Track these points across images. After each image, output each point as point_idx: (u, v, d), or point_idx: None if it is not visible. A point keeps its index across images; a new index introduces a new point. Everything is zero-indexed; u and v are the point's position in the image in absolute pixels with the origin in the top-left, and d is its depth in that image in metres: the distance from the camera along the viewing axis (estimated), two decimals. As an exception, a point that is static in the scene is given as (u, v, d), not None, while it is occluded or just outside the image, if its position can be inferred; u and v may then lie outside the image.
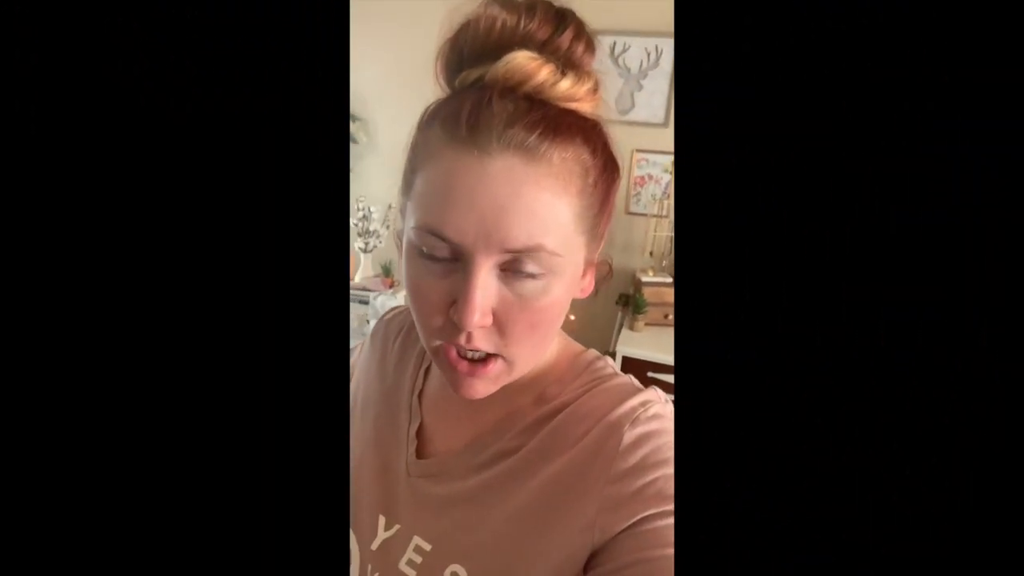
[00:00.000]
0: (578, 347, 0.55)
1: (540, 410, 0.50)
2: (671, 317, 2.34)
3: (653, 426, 0.45)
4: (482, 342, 0.43)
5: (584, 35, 0.42)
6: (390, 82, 2.68)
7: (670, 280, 2.35)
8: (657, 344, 2.18)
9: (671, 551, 0.39)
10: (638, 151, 2.46)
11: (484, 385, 0.45)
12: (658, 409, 0.46)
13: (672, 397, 0.46)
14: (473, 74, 0.42)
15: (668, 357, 2.09)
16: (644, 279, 2.35)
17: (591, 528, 0.42)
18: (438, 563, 0.47)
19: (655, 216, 2.43)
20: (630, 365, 2.11)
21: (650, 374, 2.08)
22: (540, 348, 0.46)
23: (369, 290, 2.52)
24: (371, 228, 2.60)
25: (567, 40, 0.41)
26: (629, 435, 0.44)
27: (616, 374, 0.51)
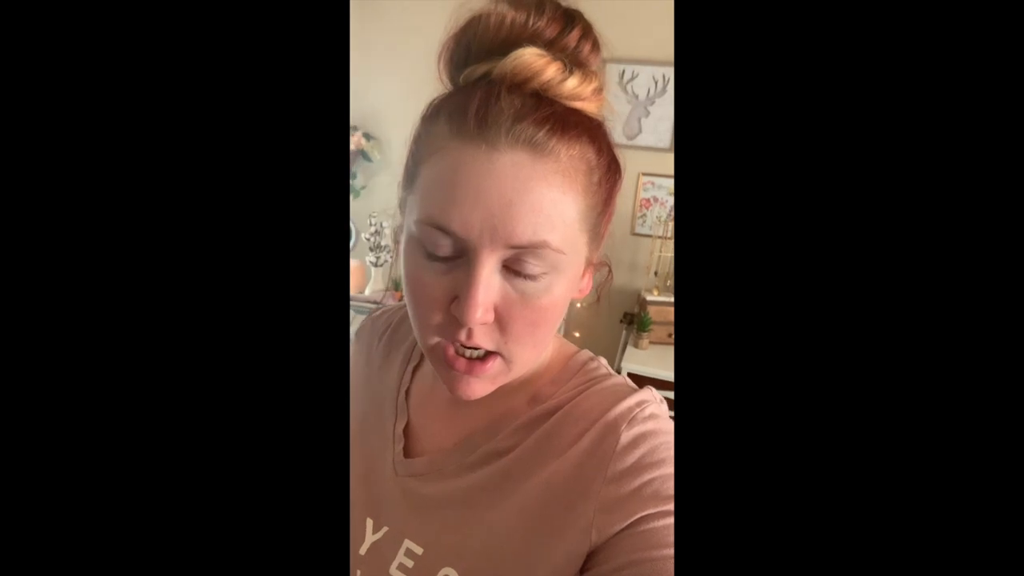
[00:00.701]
0: (572, 348, 0.55)
1: (534, 410, 0.49)
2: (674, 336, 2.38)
3: (649, 426, 0.45)
4: (482, 339, 0.42)
5: (591, 35, 0.42)
6: (405, 101, 2.74)
7: (674, 299, 2.39)
8: (661, 362, 2.21)
9: (670, 551, 0.39)
10: (644, 175, 2.51)
11: (481, 385, 0.45)
12: (654, 409, 0.47)
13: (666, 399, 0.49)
14: (479, 69, 0.41)
15: (672, 375, 2.12)
16: (649, 298, 2.39)
17: (588, 529, 0.42)
18: (431, 566, 0.46)
19: (660, 237, 2.47)
20: (635, 382, 2.13)
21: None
22: (539, 347, 0.45)
23: (378, 302, 2.57)
24: (382, 243, 2.65)
25: (574, 39, 0.41)
26: (626, 435, 0.44)
27: (610, 374, 0.52)
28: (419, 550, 0.47)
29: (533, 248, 0.39)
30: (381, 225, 2.63)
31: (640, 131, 2.47)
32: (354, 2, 2.70)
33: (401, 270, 0.45)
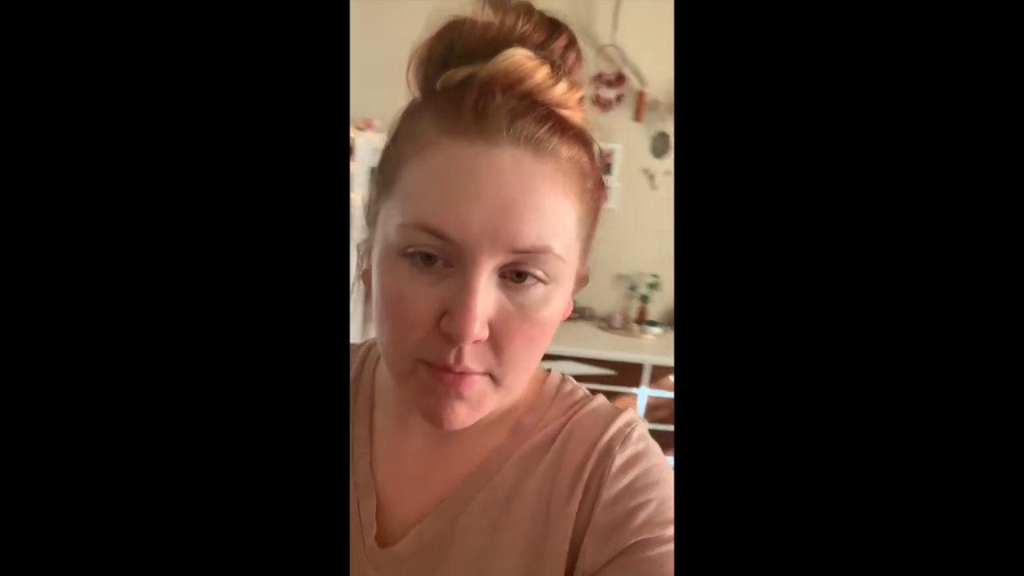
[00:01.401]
0: (542, 370, 0.51)
1: (526, 443, 0.46)
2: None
3: (640, 447, 0.44)
4: (473, 360, 0.38)
5: (575, 45, 0.42)
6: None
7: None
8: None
9: None
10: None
11: (467, 411, 0.40)
12: (641, 429, 0.46)
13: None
14: (462, 72, 0.39)
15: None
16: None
17: (583, 555, 0.41)
18: None
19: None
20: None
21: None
22: (530, 370, 0.42)
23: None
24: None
25: (560, 47, 0.40)
26: (620, 458, 0.43)
27: (589, 396, 0.49)
28: None
29: (537, 253, 0.37)
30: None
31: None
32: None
33: (374, 290, 0.40)
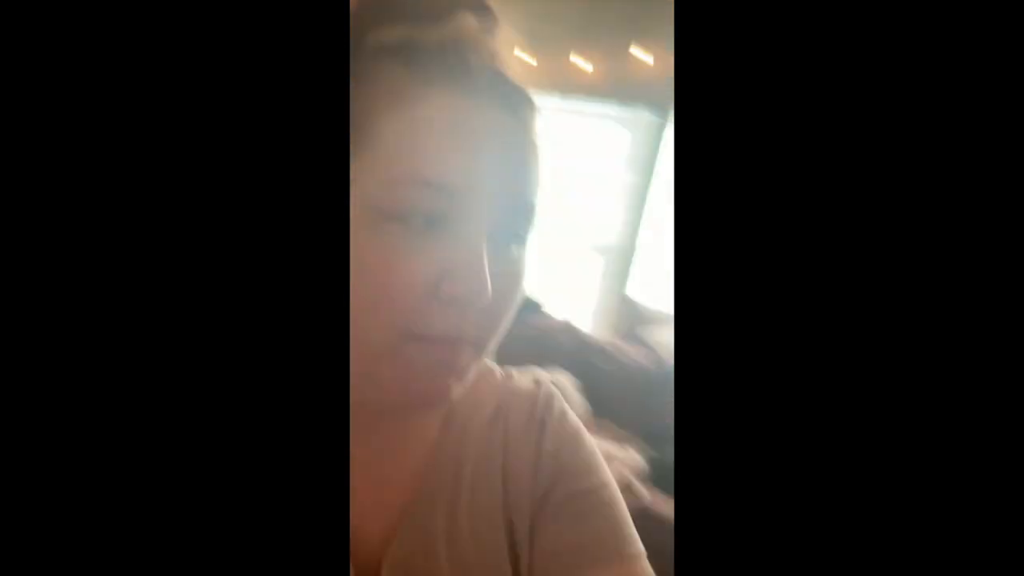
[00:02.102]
0: None
1: (470, 435, 0.45)
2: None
3: (556, 406, 0.46)
4: (468, 327, 0.35)
5: (501, 28, 0.39)
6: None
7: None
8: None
9: (608, 483, 0.43)
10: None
11: (459, 384, 0.37)
12: (560, 403, 0.47)
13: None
14: (399, 31, 0.36)
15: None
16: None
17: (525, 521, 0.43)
18: None
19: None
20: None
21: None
22: (496, 340, 0.39)
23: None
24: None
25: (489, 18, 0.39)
26: (541, 418, 0.45)
27: (505, 372, 0.49)
28: None
29: (526, 209, 0.36)
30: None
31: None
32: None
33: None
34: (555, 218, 2.73)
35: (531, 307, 2.68)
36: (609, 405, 2.29)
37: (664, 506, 1.81)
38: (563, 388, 1.92)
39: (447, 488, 0.43)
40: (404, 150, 0.34)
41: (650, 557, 0.42)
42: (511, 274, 0.37)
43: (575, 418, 0.47)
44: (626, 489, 1.81)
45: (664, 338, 2.55)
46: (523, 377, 0.48)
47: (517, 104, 0.36)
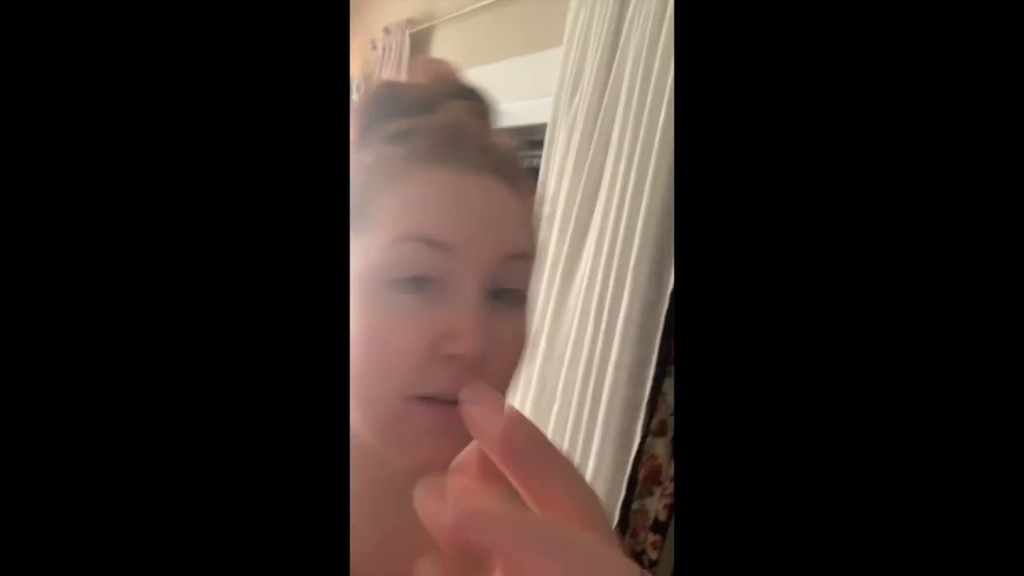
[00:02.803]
0: None
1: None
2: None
3: None
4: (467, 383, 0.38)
5: (493, 108, 0.45)
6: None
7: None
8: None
9: None
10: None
11: (460, 445, 0.37)
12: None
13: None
14: (405, 123, 0.40)
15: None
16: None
17: None
18: None
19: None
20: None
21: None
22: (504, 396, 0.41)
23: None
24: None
25: (483, 107, 0.44)
26: None
27: None
28: None
29: (525, 259, 0.39)
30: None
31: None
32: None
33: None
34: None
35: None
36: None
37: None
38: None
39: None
40: (399, 217, 0.37)
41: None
42: (508, 330, 0.38)
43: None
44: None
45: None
46: None
47: (506, 170, 0.40)
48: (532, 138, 1.42)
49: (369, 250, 0.37)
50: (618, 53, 1.17)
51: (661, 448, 1.04)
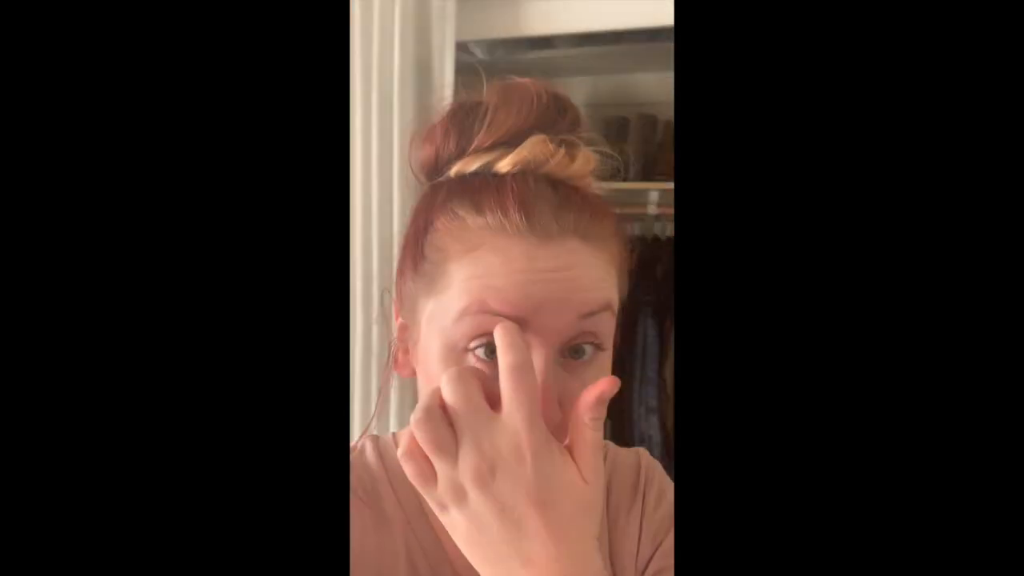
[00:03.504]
0: None
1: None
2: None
3: (661, 479, 0.54)
4: None
5: (579, 117, 0.44)
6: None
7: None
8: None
9: None
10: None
11: None
12: (657, 467, 0.56)
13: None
14: (481, 159, 0.41)
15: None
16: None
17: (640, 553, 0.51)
18: None
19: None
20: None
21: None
22: None
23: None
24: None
25: (567, 122, 0.43)
26: (651, 491, 0.53)
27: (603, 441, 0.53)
28: None
29: (600, 312, 0.38)
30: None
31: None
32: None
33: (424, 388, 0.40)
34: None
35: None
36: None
37: None
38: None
39: None
40: (471, 287, 0.37)
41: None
42: (588, 383, 0.37)
43: (665, 477, 0.54)
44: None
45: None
46: (617, 448, 0.55)
47: (584, 228, 0.39)
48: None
49: (444, 317, 0.38)
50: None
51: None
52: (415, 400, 0.37)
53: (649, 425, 1.73)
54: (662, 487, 0.53)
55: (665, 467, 0.56)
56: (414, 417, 0.33)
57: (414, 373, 0.43)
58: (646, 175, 1.72)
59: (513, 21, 1.39)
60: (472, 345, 0.37)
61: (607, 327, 0.40)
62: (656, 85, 1.77)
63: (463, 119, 0.42)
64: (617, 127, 1.77)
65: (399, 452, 0.34)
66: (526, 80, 0.42)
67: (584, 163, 0.42)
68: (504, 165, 0.40)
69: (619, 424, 1.76)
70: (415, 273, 0.42)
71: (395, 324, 0.45)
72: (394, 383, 0.43)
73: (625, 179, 1.63)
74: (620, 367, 1.72)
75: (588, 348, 0.39)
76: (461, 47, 1.41)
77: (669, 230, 1.82)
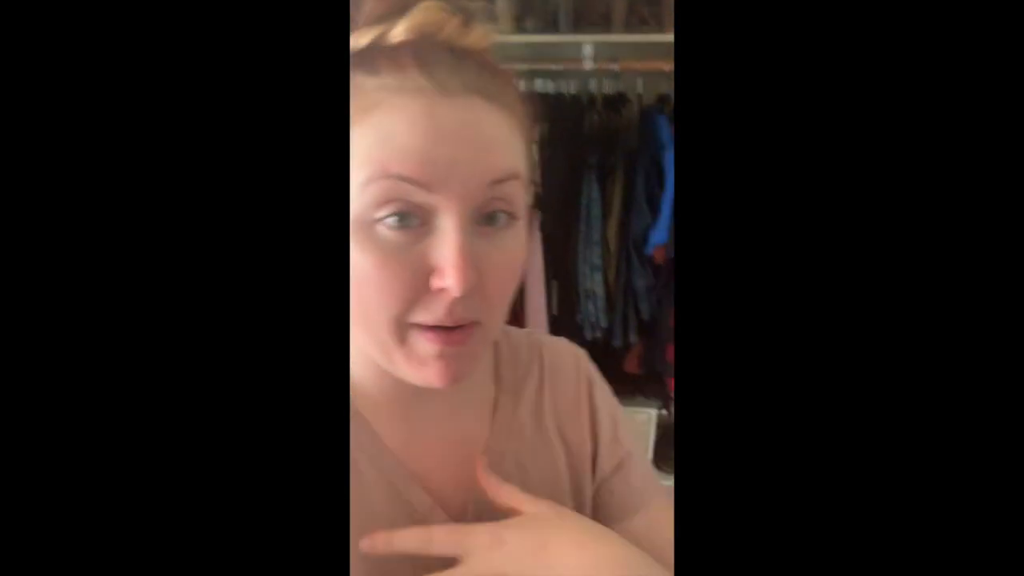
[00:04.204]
0: None
1: (522, 393, 0.51)
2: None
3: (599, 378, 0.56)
4: (467, 311, 0.38)
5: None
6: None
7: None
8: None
9: None
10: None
11: (467, 362, 0.40)
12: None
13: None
14: (373, 31, 0.39)
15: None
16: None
17: (598, 465, 0.53)
18: None
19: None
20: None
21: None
22: (507, 312, 0.43)
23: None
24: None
25: None
26: (598, 389, 0.55)
27: (533, 332, 0.56)
28: None
29: (509, 179, 0.38)
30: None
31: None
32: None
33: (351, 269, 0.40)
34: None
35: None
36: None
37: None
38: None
39: (512, 443, 0.50)
40: (372, 153, 0.36)
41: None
42: (498, 256, 0.39)
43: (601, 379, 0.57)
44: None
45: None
46: (554, 339, 0.57)
47: (487, 86, 0.38)
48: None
49: (352, 188, 0.37)
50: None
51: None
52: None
53: (594, 282, 1.80)
54: (591, 377, 0.55)
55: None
56: None
57: None
58: (578, 26, 1.64)
59: None
60: (380, 215, 0.36)
61: (518, 195, 0.39)
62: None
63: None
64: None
65: None
66: None
67: (482, 36, 0.41)
68: (397, 34, 0.38)
69: (565, 283, 1.83)
70: None
71: None
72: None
73: (556, 31, 1.56)
74: (564, 228, 1.81)
75: (501, 216, 0.39)
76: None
77: (606, 86, 1.77)
